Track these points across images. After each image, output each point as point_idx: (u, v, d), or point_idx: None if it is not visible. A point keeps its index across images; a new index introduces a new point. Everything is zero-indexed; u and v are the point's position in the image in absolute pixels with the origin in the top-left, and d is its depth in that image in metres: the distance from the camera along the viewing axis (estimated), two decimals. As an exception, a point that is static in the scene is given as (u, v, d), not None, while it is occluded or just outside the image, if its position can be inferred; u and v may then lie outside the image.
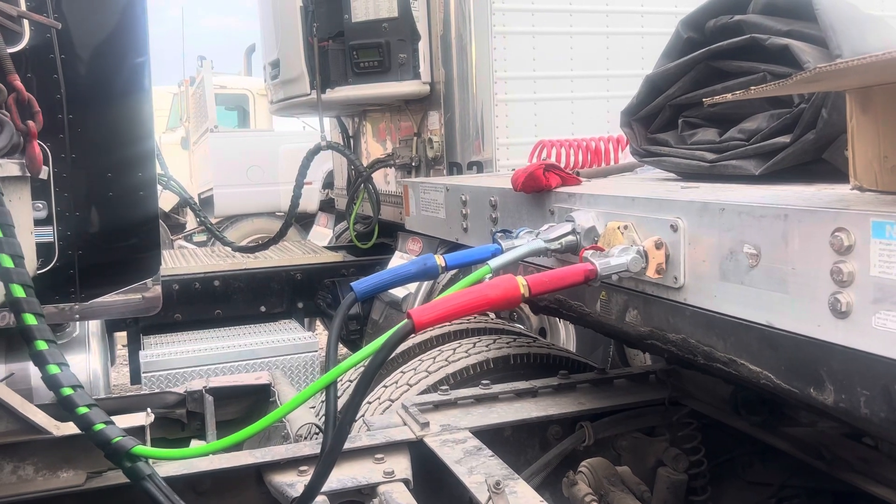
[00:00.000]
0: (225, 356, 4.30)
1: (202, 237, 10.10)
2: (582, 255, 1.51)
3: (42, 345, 1.49)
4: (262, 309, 5.07)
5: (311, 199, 8.17)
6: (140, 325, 4.76)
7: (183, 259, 5.43)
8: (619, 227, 1.57)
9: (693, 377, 2.32)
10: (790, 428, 2.10)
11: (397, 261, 4.94)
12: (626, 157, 2.60)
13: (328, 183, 8.06)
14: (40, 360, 1.49)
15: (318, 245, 6.18)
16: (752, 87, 1.10)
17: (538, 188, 1.91)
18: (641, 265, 1.48)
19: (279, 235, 5.17)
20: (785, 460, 2.20)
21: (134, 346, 4.78)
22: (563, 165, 2.44)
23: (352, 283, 1.64)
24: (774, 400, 2.12)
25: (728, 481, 2.37)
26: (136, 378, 4.70)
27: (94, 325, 3.99)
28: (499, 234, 1.79)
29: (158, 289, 2.76)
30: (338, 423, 1.32)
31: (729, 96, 1.17)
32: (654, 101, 2.06)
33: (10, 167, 1.87)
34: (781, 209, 1.25)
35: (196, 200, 7.54)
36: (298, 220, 5.53)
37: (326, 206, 7.77)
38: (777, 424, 2.11)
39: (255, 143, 9.80)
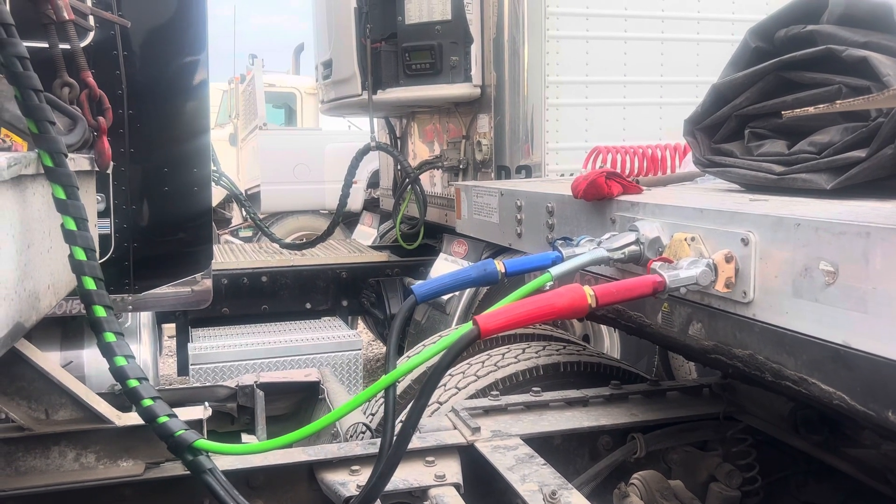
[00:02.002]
0: (271, 351, 4.36)
1: (248, 232, 10.26)
2: (650, 266, 1.49)
3: (111, 337, 1.52)
4: (308, 306, 5.13)
5: (355, 199, 8.24)
6: (189, 318, 4.85)
7: (231, 254, 5.51)
8: (686, 239, 1.54)
9: (749, 392, 2.27)
10: (851, 449, 2.05)
11: (441, 263, 4.94)
12: (685, 166, 2.56)
13: (373, 182, 8.12)
14: (108, 352, 1.52)
15: (363, 244, 6.23)
16: (839, 102, 1.07)
17: (600, 196, 1.89)
18: (711, 279, 1.45)
19: (326, 234, 5.22)
20: (840, 481, 2.15)
21: (182, 338, 4.87)
22: (617, 171, 2.41)
23: (412, 286, 1.64)
24: (835, 419, 2.06)
25: (781, 500, 2.32)
26: (183, 369, 4.79)
27: (145, 317, 4.07)
28: (559, 242, 1.77)
29: (209, 283, 2.81)
30: (402, 427, 1.32)
31: (811, 109, 1.14)
32: (719, 110, 2.02)
33: (82, 161, 1.92)
34: (863, 226, 1.21)
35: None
36: (343, 219, 5.60)
37: (371, 205, 7.82)
38: (838, 445, 2.06)
39: (303, 142, 9.92)
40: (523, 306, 1.32)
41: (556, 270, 1.60)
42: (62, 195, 1.46)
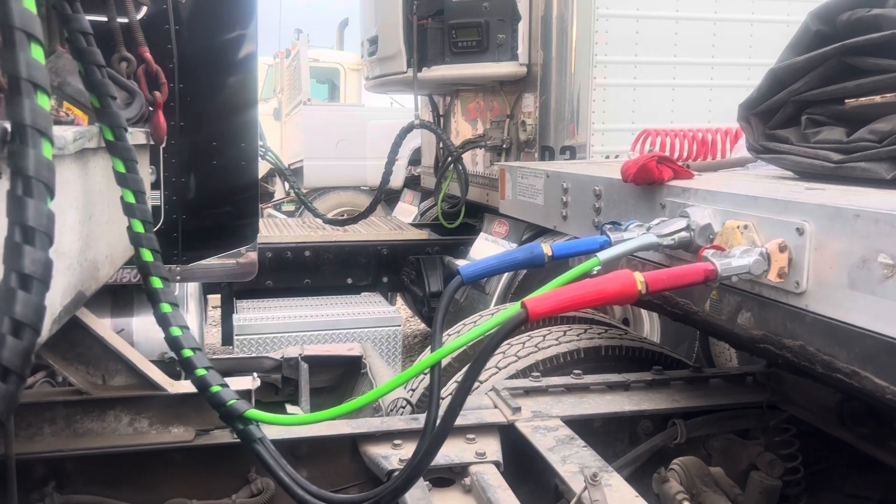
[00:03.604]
0: (312, 325, 4.43)
1: (290, 206, 10.37)
2: (701, 254, 1.47)
3: (166, 307, 1.56)
4: (349, 281, 5.19)
5: (396, 176, 8.26)
6: (233, 289, 4.95)
7: (276, 228, 5.59)
8: (738, 227, 1.52)
9: (794, 382, 2.25)
10: (898, 443, 2.02)
11: (482, 243, 4.95)
12: (737, 152, 2.52)
13: (415, 160, 8.13)
14: (164, 322, 1.56)
15: (403, 221, 6.26)
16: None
17: (650, 181, 1.87)
18: (763, 268, 1.43)
19: (368, 210, 5.26)
20: (885, 474, 2.12)
21: (226, 308, 4.97)
22: (668, 155, 2.38)
23: (459, 267, 1.65)
24: (883, 413, 2.03)
25: (823, 492, 2.30)
26: (227, 339, 4.89)
27: (192, 287, 4.17)
28: (607, 226, 1.76)
29: (254, 255, 2.86)
30: (448, 406, 1.34)
31: (877, 98, 1.11)
32: (776, 95, 1.97)
33: (138, 135, 1.96)
34: (926, 220, 1.18)
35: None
36: (384, 196, 5.65)
37: (411, 182, 7.84)
38: (884, 438, 2.03)
39: (346, 118, 9.95)
40: (572, 291, 1.32)
41: (603, 255, 1.59)
42: (122, 168, 1.50)
